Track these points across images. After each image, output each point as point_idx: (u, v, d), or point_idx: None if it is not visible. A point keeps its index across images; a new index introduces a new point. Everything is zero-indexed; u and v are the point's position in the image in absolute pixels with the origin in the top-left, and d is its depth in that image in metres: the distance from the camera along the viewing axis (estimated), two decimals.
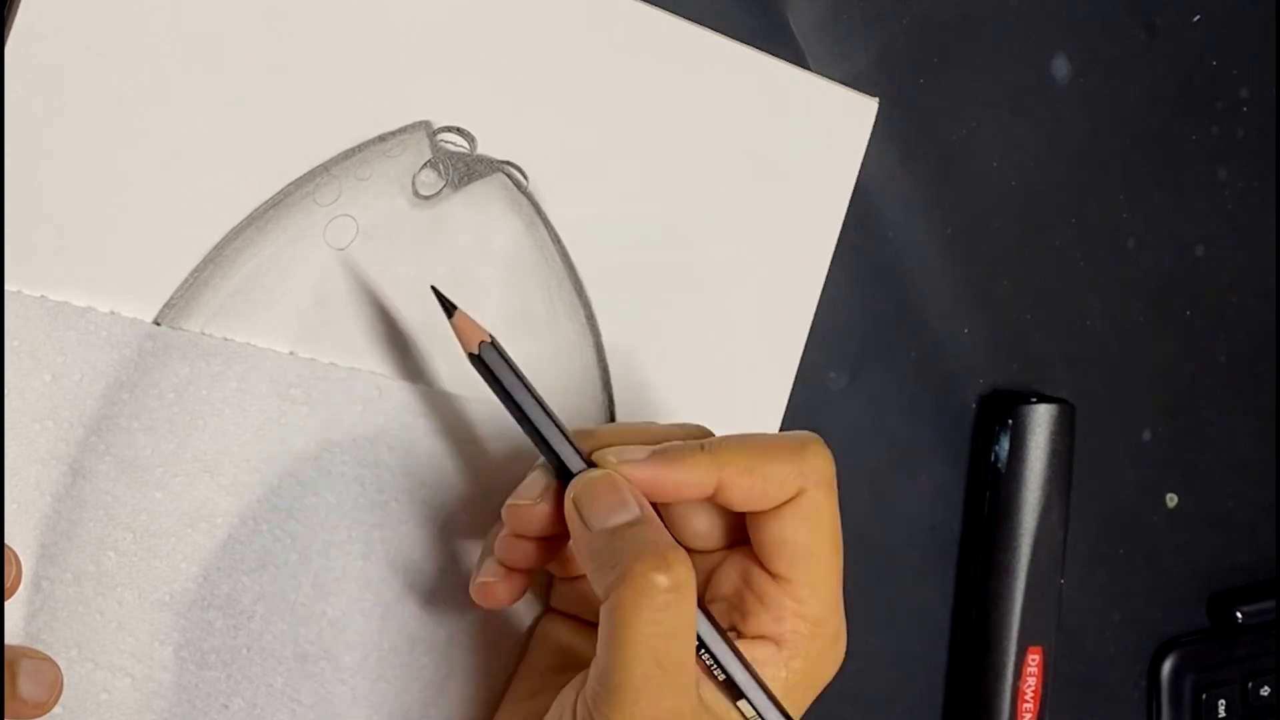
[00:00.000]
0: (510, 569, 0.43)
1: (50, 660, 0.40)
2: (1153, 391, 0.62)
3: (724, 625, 0.42)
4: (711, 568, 0.43)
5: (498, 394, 0.42)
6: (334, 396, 0.44)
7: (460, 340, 0.42)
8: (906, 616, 0.57)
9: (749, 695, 0.40)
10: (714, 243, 0.50)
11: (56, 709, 0.40)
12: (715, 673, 0.40)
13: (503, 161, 0.46)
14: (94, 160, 0.41)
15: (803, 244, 0.52)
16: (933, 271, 0.56)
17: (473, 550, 0.46)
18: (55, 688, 0.40)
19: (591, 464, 0.41)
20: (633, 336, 0.49)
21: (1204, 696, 0.63)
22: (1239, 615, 0.63)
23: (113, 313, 0.41)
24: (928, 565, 0.57)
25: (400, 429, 0.45)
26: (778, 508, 0.41)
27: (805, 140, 0.51)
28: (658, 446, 0.41)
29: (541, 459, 0.42)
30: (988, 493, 0.57)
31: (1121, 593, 0.62)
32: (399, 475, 0.45)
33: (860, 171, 0.52)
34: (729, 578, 0.43)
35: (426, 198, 0.45)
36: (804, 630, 0.41)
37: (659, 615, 0.37)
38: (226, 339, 0.43)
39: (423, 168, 0.45)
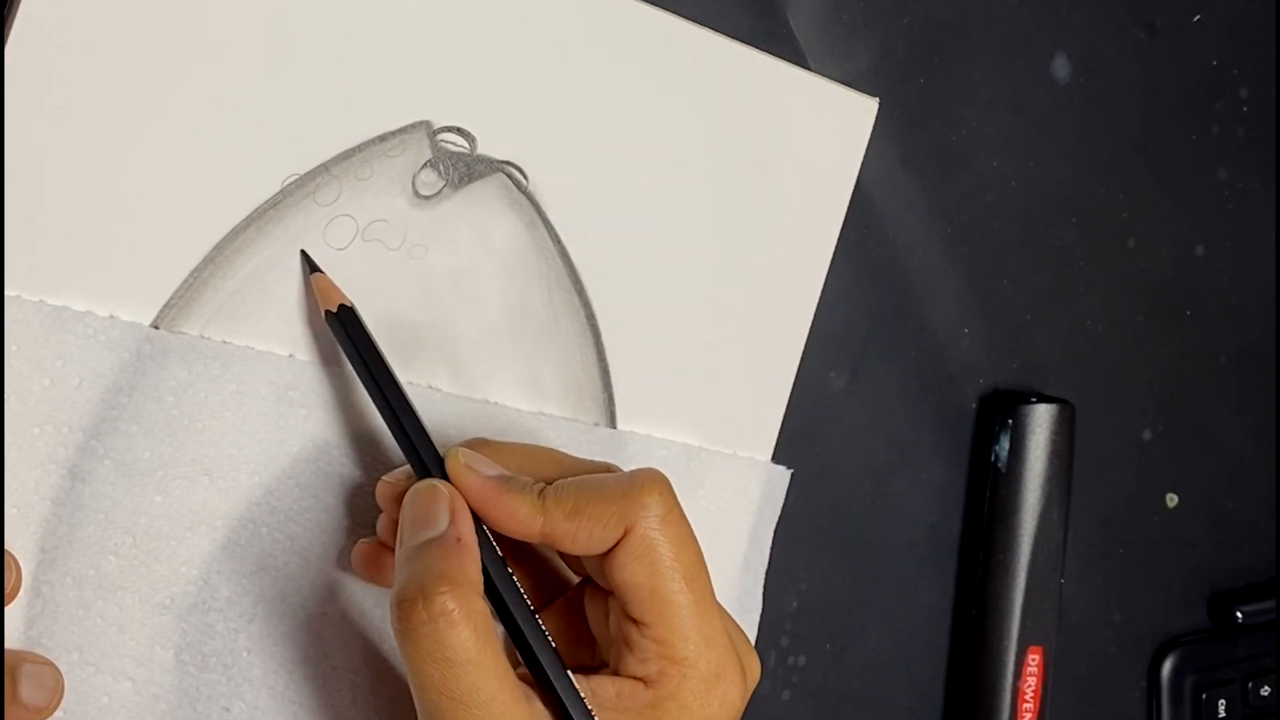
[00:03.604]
0: (385, 547, 0.43)
1: (51, 665, 0.40)
2: (1153, 391, 0.62)
3: (606, 665, 0.41)
4: (606, 612, 0.42)
5: (353, 363, 0.42)
6: (332, 398, 0.44)
7: (319, 299, 0.42)
8: (906, 616, 0.57)
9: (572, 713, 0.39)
10: (714, 242, 0.50)
11: (57, 713, 0.40)
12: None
13: (503, 161, 0.46)
14: (93, 162, 0.40)
15: (803, 244, 0.52)
16: (933, 271, 0.56)
17: None
18: (56, 692, 0.40)
19: (438, 458, 0.41)
20: (633, 336, 0.49)
21: (1204, 696, 0.63)
22: (1239, 615, 0.63)
23: (111, 316, 0.41)
24: (928, 565, 0.57)
25: None
26: (613, 549, 0.40)
27: (805, 140, 0.51)
28: (505, 472, 0.40)
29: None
30: (988, 493, 0.57)
31: (1121, 593, 0.62)
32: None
33: (860, 171, 0.52)
34: (613, 620, 0.41)
35: (426, 198, 0.45)
36: (672, 672, 0.39)
37: (423, 644, 0.36)
38: (225, 342, 0.43)
39: (423, 168, 0.45)
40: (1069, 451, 0.57)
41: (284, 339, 0.43)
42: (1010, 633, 0.56)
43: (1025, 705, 0.57)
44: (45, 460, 0.40)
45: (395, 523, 0.41)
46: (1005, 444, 0.57)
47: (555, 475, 0.41)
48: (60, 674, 0.40)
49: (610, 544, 0.39)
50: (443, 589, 0.37)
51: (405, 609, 0.37)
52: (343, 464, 0.44)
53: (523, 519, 0.40)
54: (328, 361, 0.44)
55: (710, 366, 0.50)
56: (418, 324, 0.45)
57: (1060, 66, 0.58)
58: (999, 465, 0.57)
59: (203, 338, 0.42)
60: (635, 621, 0.40)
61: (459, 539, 0.39)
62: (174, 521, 0.42)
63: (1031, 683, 0.57)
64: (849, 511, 0.55)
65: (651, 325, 0.49)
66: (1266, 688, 0.64)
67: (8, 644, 0.40)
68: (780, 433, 0.52)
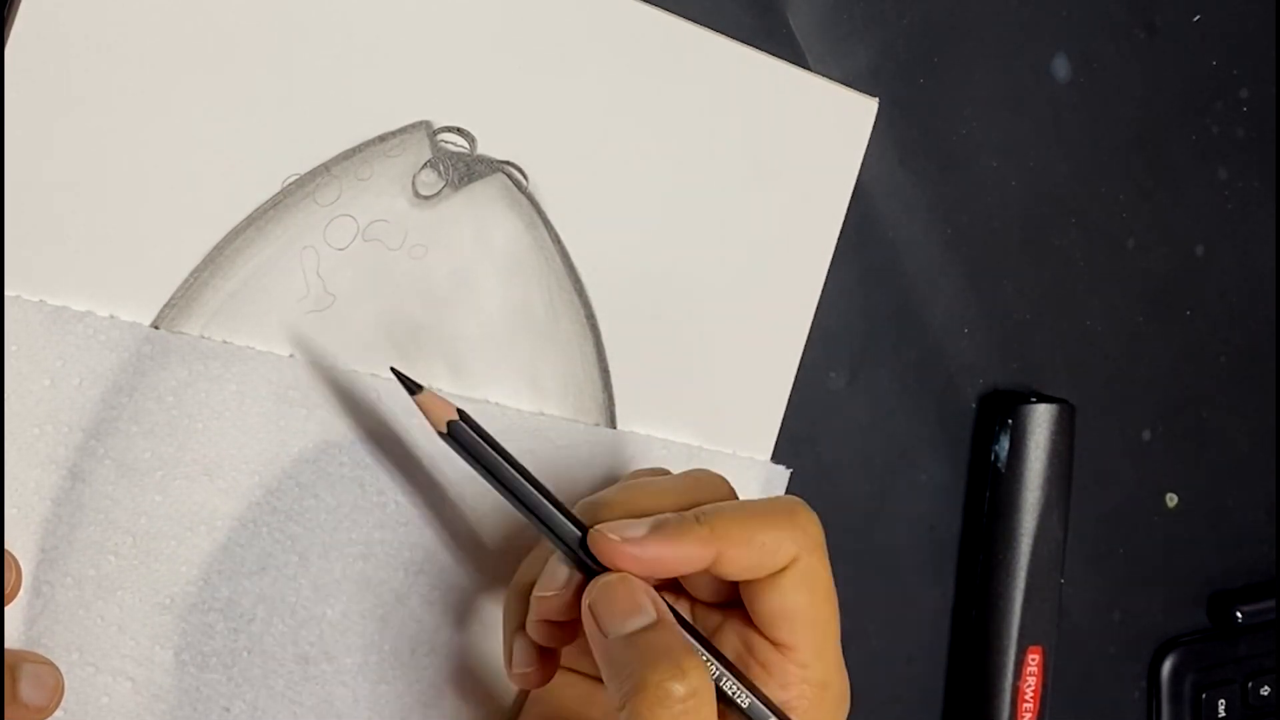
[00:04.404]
0: (544, 650, 0.42)
1: (51, 664, 0.40)
2: (1153, 391, 0.62)
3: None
4: (713, 628, 0.43)
5: (479, 470, 0.41)
6: (333, 398, 0.44)
7: (430, 421, 0.41)
8: (906, 616, 0.57)
9: None
10: (714, 242, 0.50)
11: (58, 713, 0.40)
12: None
13: (503, 161, 0.46)
14: (93, 162, 0.41)
15: (803, 244, 0.52)
16: (933, 271, 0.56)
17: (473, 551, 0.46)
18: (56, 692, 0.40)
19: (584, 530, 0.40)
20: (633, 336, 0.49)
21: (1204, 696, 0.63)
22: (1239, 615, 0.63)
23: (112, 316, 0.41)
24: (928, 565, 0.57)
25: (399, 430, 0.45)
26: (774, 575, 0.40)
27: (805, 140, 0.51)
28: (655, 519, 0.40)
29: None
30: (988, 492, 0.57)
31: (1121, 593, 0.62)
32: (398, 477, 0.45)
33: (860, 171, 0.52)
34: (730, 643, 0.42)
35: (426, 198, 0.45)
36: (810, 695, 0.40)
37: None
38: (225, 342, 0.43)
39: (423, 168, 0.45)
40: (1069, 451, 0.57)
41: (284, 339, 0.43)
42: (1010, 633, 0.56)
43: (1025, 705, 0.57)
44: (45, 460, 0.40)
45: (551, 625, 0.41)
46: (1005, 444, 0.57)
47: (674, 504, 0.41)
48: (60, 674, 0.40)
49: (775, 570, 0.40)
50: (693, 664, 0.37)
51: (663, 692, 0.37)
52: (343, 464, 0.44)
53: (696, 555, 0.40)
54: (328, 362, 0.44)
55: (710, 366, 0.50)
56: (418, 324, 0.45)
57: (1060, 66, 0.58)
58: (999, 465, 0.57)
59: (203, 338, 0.42)
60: (779, 645, 0.40)
61: (668, 622, 0.39)
62: (174, 521, 0.42)
63: (1031, 683, 0.57)
64: (849, 511, 0.55)
65: (651, 325, 0.49)
66: (1266, 688, 0.64)
67: (8, 644, 0.40)
68: (780, 433, 0.52)
